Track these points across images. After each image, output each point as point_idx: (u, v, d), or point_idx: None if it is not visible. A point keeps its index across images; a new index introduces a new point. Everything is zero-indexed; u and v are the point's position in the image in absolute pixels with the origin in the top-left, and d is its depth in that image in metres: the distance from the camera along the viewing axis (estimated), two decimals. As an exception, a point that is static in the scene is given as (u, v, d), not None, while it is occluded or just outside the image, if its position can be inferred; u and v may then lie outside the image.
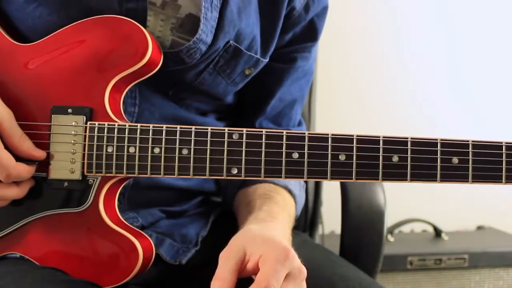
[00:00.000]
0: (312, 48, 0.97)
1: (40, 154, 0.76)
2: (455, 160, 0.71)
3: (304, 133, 0.73)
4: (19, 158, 0.75)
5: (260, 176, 0.73)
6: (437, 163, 0.71)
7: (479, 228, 2.00)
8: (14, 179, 0.74)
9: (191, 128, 0.74)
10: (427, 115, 2.10)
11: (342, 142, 0.72)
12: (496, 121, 2.11)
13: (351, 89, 2.06)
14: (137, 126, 0.75)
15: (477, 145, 0.71)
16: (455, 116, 2.12)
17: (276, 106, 0.97)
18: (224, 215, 1.01)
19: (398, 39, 2.08)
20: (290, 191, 0.92)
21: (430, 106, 2.11)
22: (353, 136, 0.72)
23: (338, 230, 1.13)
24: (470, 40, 2.11)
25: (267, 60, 0.91)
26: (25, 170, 0.74)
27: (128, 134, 0.75)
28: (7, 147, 0.74)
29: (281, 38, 0.92)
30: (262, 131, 0.73)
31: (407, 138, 0.72)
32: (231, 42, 0.85)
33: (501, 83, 2.14)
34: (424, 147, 0.71)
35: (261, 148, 0.73)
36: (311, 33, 0.95)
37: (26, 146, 0.75)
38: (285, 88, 0.96)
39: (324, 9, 0.94)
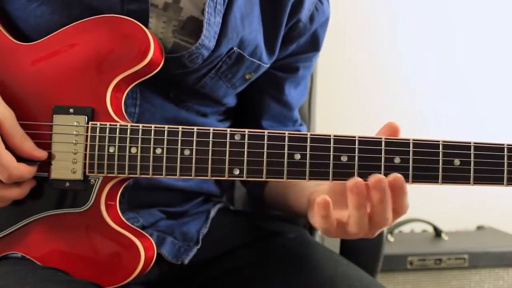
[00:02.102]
0: (314, 58, 0.99)
1: (41, 154, 0.76)
2: (457, 162, 0.71)
3: (306, 134, 0.72)
4: (20, 158, 0.74)
5: (262, 177, 0.73)
6: (439, 164, 0.71)
7: (479, 228, 1.99)
8: (15, 179, 0.74)
9: (193, 129, 0.74)
10: (427, 115, 2.10)
11: (344, 143, 0.72)
12: (496, 121, 2.11)
13: (351, 89, 2.06)
14: (139, 126, 0.75)
15: (479, 147, 0.71)
16: (455, 116, 2.12)
17: (279, 110, 0.99)
18: (223, 211, 1.02)
19: (398, 39, 2.08)
20: None
21: (430, 106, 2.11)
22: (355, 137, 0.72)
23: (338, 230, 1.12)
24: (470, 40, 2.10)
25: (268, 65, 0.91)
26: (26, 171, 0.74)
27: (130, 135, 0.75)
28: (8, 147, 0.73)
29: (285, 49, 0.93)
30: (264, 132, 0.73)
31: (409, 140, 0.71)
32: (234, 48, 0.85)
33: (501, 84, 2.14)
34: (426, 148, 0.71)
35: (263, 149, 0.73)
36: (314, 43, 0.96)
37: (28, 146, 0.75)
38: (287, 93, 0.98)
39: (327, 20, 0.95)
